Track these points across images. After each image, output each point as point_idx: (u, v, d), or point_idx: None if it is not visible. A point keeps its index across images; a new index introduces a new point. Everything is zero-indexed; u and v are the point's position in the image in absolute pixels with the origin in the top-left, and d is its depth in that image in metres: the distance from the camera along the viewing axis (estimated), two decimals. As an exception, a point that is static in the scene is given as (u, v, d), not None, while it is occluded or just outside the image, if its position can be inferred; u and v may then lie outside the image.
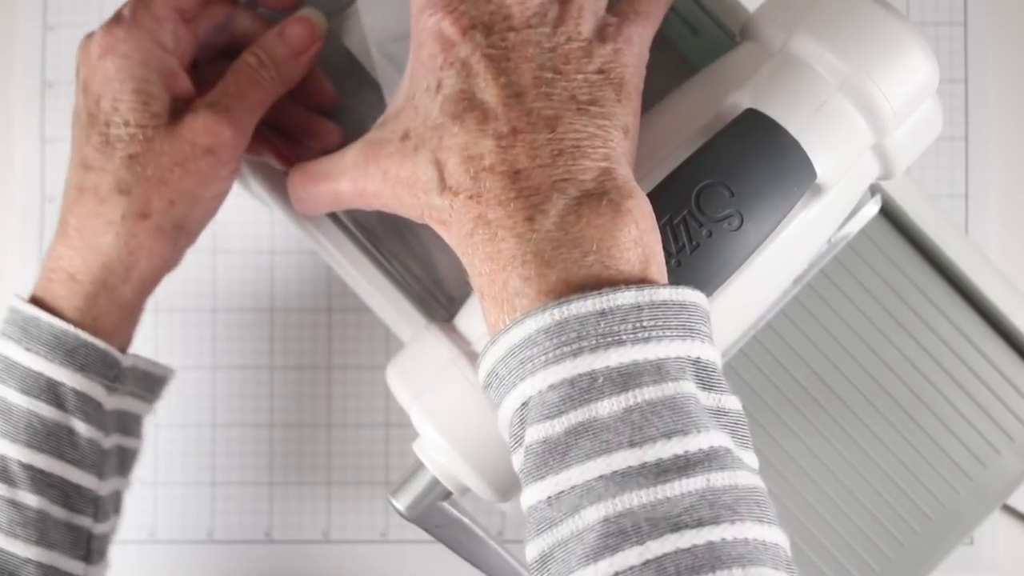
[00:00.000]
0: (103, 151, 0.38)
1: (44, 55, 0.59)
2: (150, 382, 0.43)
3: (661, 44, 0.44)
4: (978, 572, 0.56)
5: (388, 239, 0.44)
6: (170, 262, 0.41)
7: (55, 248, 0.39)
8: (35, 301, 0.39)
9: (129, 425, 0.43)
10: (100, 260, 0.39)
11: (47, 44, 0.59)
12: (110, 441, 0.41)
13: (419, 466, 0.39)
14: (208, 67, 0.42)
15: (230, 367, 0.57)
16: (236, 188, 0.55)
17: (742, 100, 0.35)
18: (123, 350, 0.41)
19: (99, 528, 0.41)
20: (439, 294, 0.44)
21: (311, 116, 0.43)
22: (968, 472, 0.47)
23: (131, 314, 0.41)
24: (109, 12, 0.58)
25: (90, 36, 0.39)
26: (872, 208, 0.41)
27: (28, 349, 0.38)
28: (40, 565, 0.38)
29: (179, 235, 0.40)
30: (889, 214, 0.46)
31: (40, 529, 0.38)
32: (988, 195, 0.58)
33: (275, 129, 0.43)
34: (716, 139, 0.35)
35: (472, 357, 0.37)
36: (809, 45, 0.35)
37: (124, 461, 0.43)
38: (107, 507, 0.41)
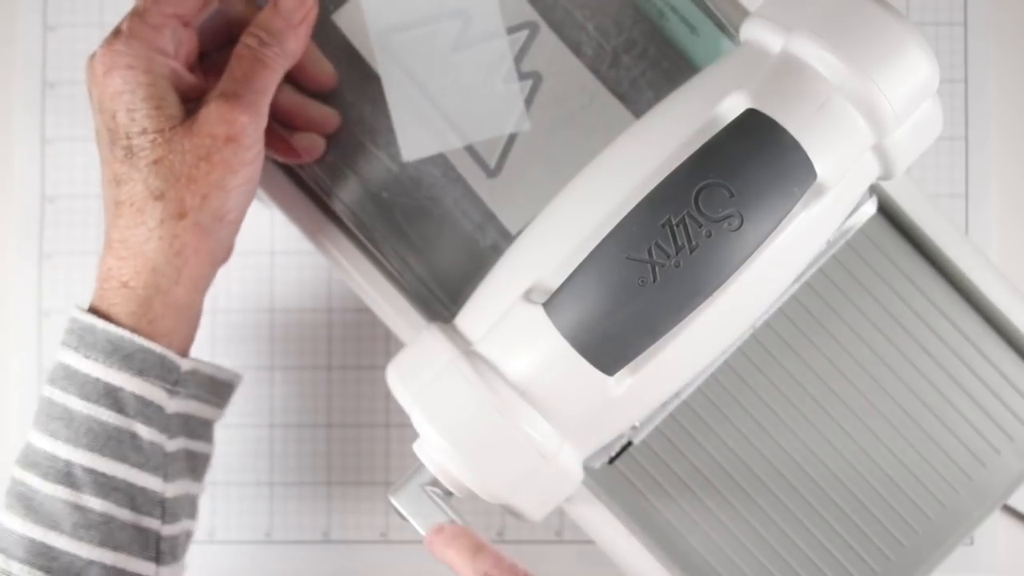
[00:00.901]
0: (129, 162, 0.39)
1: (44, 55, 0.59)
2: (215, 386, 0.44)
3: (661, 44, 0.44)
4: (978, 572, 0.56)
5: (388, 239, 0.44)
6: (218, 255, 0.41)
7: (105, 262, 0.40)
8: (92, 310, 0.40)
9: (196, 429, 0.43)
10: (149, 266, 0.39)
11: (47, 44, 0.59)
12: (175, 444, 0.42)
13: (419, 466, 0.39)
14: (217, 55, 0.43)
15: (230, 367, 0.57)
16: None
17: (742, 100, 0.35)
18: (184, 351, 0.42)
19: (168, 530, 0.42)
20: (439, 294, 0.44)
21: (311, 103, 0.44)
22: (968, 472, 0.47)
23: (188, 314, 0.41)
24: (109, 12, 0.59)
25: (92, 56, 0.39)
26: (869, 208, 0.41)
27: (87, 356, 0.39)
28: (105, 566, 0.39)
29: (220, 227, 0.40)
30: (889, 214, 0.46)
31: (105, 531, 0.39)
32: (988, 195, 0.58)
33: (277, 120, 0.43)
34: (716, 139, 0.35)
35: (473, 357, 0.37)
36: (809, 45, 0.35)
37: (195, 465, 0.44)
38: (176, 509, 0.42)
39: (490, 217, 0.44)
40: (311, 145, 0.43)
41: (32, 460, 0.40)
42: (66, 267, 0.58)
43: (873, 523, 0.46)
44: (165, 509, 0.41)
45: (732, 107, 0.35)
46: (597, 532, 0.45)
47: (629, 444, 0.42)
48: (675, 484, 0.46)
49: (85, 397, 0.39)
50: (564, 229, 0.36)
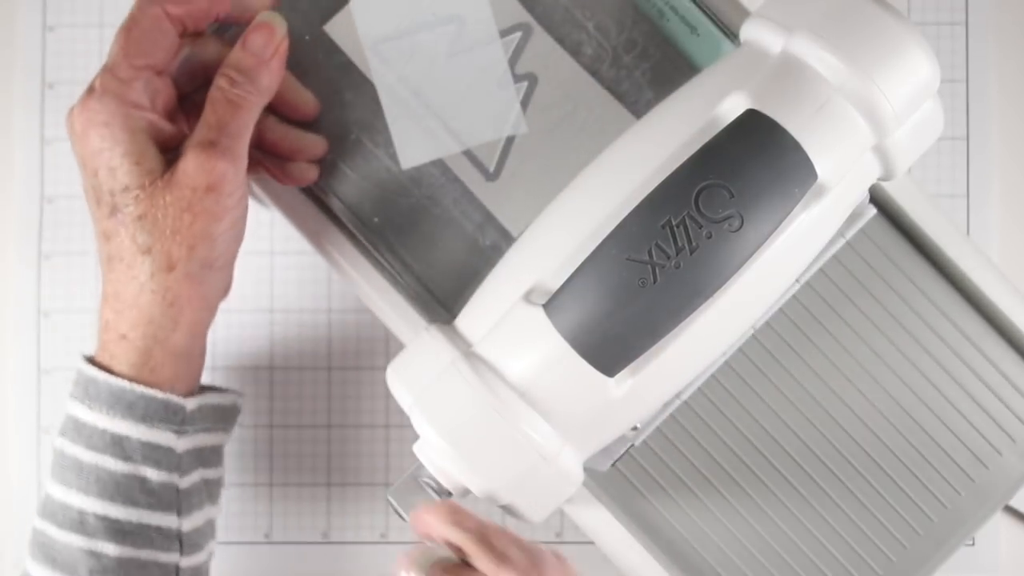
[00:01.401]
0: (116, 219, 0.39)
1: (44, 55, 0.59)
2: (221, 413, 0.45)
3: (661, 43, 0.44)
4: (980, 573, 0.55)
5: (388, 239, 0.44)
6: (213, 299, 0.42)
7: (103, 314, 0.41)
8: (95, 361, 0.41)
9: (208, 458, 0.44)
10: (144, 318, 0.40)
11: (47, 44, 0.59)
12: (190, 479, 0.43)
13: (419, 467, 0.39)
14: (197, 95, 0.42)
15: (229, 368, 0.57)
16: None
17: (742, 101, 0.35)
18: (190, 391, 0.42)
19: (188, 560, 0.43)
20: (438, 295, 0.44)
21: (295, 132, 0.43)
22: (970, 473, 0.46)
23: (190, 358, 0.42)
24: (109, 12, 0.59)
25: (70, 112, 0.39)
26: (869, 210, 0.41)
27: (91, 408, 0.40)
28: None
29: (211, 273, 0.41)
30: (890, 214, 0.46)
31: (122, 574, 0.40)
32: (989, 195, 0.58)
33: (263, 151, 0.43)
34: (716, 140, 0.35)
35: (472, 359, 0.37)
36: (809, 46, 0.35)
37: (211, 491, 0.45)
38: (195, 539, 0.43)
39: (490, 219, 0.44)
40: (301, 174, 0.43)
41: (49, 510, 0.41)
42: (65, 267, 0.58)
43: (874, 523, 0.46)
44: (183, 543, 0.42)
45: (732, 108, 0.35)
46: (597, 533, 0.45)
47: (630, 446, 0.42)
48: (675, 484, 0.46)
49: (92, 447, 0.40)
50: (564, 230, 0.36)
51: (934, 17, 0.58)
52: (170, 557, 0.42)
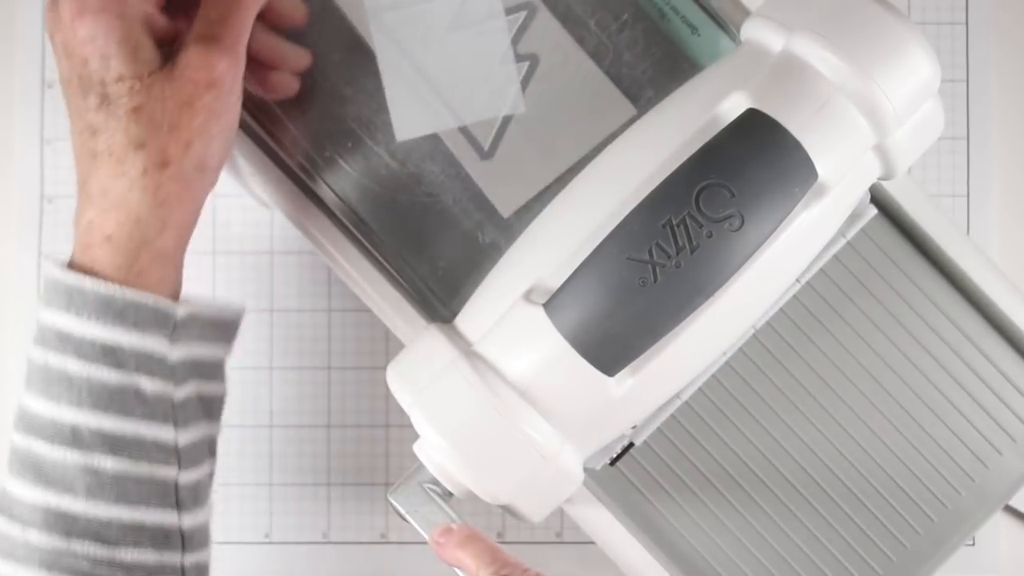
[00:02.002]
0: (106, 111, 0.37)
1: (44, 55, 0.59)
2: (218, 325, 0.43)
3: (662, 43, 0.44)
4: (980, 573, 0.55)
5: (388, 238, 0.44)
6: (200, 202, 0.40)
7: (84, 215, 0.39)
8: (73, 266, 0.39)
9: (207, 370, 0.42)
10: (132, 217, 0.38)
11: (46, 43, 0.59)
12: (184, 391, 0.41)
13: (419, 467, 0.39)
14: None
15: (229, 367, 0.57)
16: (236, 189, 0.55)
17: (743, 100, 0.35)
18: (174, 299, 0.40)
19: (186, 476, 0.41)
20: (439, 294, 0.44)
21: (281, 42, 0.43)
22: (970, 473, 0.46)
23: (174, 264, 0.40)
24: (109, 12, 0.59)
25: (54, 1, 0.38)
26: (869, 210, 0.41)
27: (78, 316, 0.38)
28: (123, 523, 0.39)
29: (202, 175, 0.39)
30: (890, 214, 0.46)
31: (120, 489, 0.39)
32: (989, 195, 0.58)
33: (249, 58, 0.42)
34: (717, 139, 0.35)
35: (473, 358, 0.37)
36: (810, 45, 0.35)
37: (209, 407, 0.43)
38: (193, 455, 0.41)
39: (483, 201, 0.43)
40: (284, 84, 0.43)
41: (35, 425, 0.39)
42: (65, 267, 0.58)
43: (875, 523, 0.46)
44: (180, 457, 0.40)
45: (733, 107, 0.35)
46: (597, 533, 0.45)
47: (631, 445, 0.42)
48: (675, 484, 0.46)
49: (82, 357, 0.38)
50: (565, 229, 0.36)
51: (934, 17, 0.58)
52: (167, 472, 0.40)
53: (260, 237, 0.58)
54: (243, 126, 0.44)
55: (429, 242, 0.44)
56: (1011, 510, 0.53)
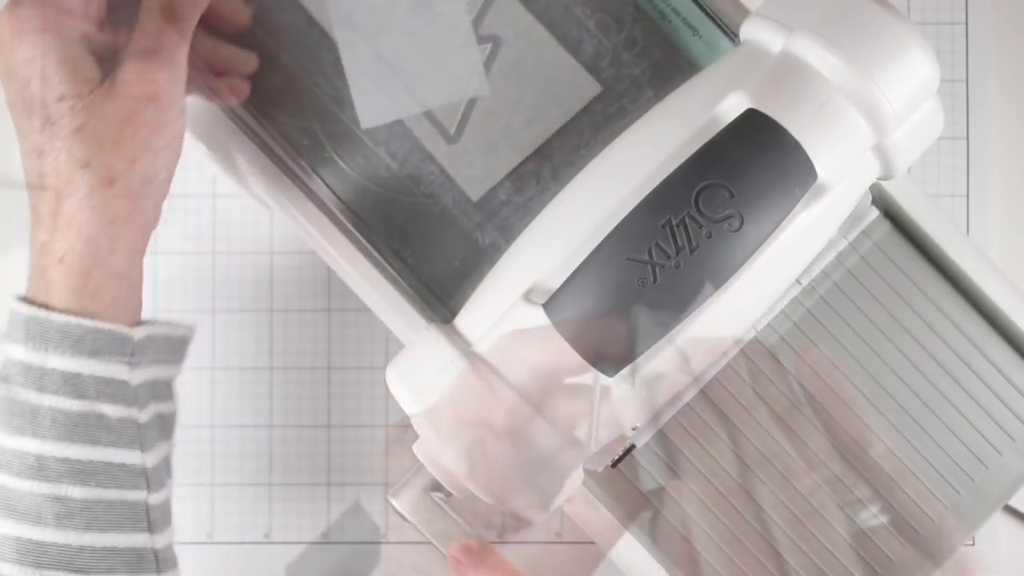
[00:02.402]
0: (50, 131, 0.37)
1: None
2: (172, 345, 0.43)
3: (662, 43, 0.44)
4: (979, 573, 0.55)
5: (388, 238, 0.44)
6: (149, 219, 0.40)
7: (37, 238, 0.39)
8: (30, 295, 0.39)
9: (162, 390, 0.43)
10: (83, 237, 0.38)
11: None
12: (147, 413, 0.41)
13: (419, 467, 0.39)
14: (124, 9, 0.41)
15: (229, 368, 0.57)
16: (236, 189, 0.55)
17: (742, 100, 0.35)
18: (133, 321, 0.41)
19: (155, 497, 0.41)
20: (439, 294, 0.44)
21: (226, 47, 0.42)
22: (970, 473, 0.46)
23: (128, 282, 0.40)
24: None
25: None
26: (870, 212, 0.41)
27: (36, 348, 0.38)
28: (95, 549, 0.39)
29: (150, 189, 0.39)
30: (890, 214, 0.46)
31: (90, 516, 0.39)
32: (989, 195, 0.58)
33: (195, 67, 0.42)
34: (716, 139, 0.35)
35: (472, 358, 0.37)
36: (810, 45, 0.35)
37: (163, 426, 0.43)
38: (159, 475, 0.41)
39: (451, 186, 0.43)
40: (235, 88, 0.43)
41: (0, 459, 0.39)
42: (65, 267, 0.58)
43: (875, 523, 0.46)
44: (149, 479, 0.41)
45: (732, 107, 0.35)
46: (597, 533, 0.45)
47: (632, 447, 0.42)
48: (675, 485, 0.46)
49: (43, 389, 0.38)
50: (564, 229, 0.36)
51: (934, 17, 0.58)
52: (138, 495, 0.40)
53: (260, 237, 0.58)
54: (243, 126, 0.44)
55: (429, 243, 0.44)
56: (1011, 510, 0.53)
